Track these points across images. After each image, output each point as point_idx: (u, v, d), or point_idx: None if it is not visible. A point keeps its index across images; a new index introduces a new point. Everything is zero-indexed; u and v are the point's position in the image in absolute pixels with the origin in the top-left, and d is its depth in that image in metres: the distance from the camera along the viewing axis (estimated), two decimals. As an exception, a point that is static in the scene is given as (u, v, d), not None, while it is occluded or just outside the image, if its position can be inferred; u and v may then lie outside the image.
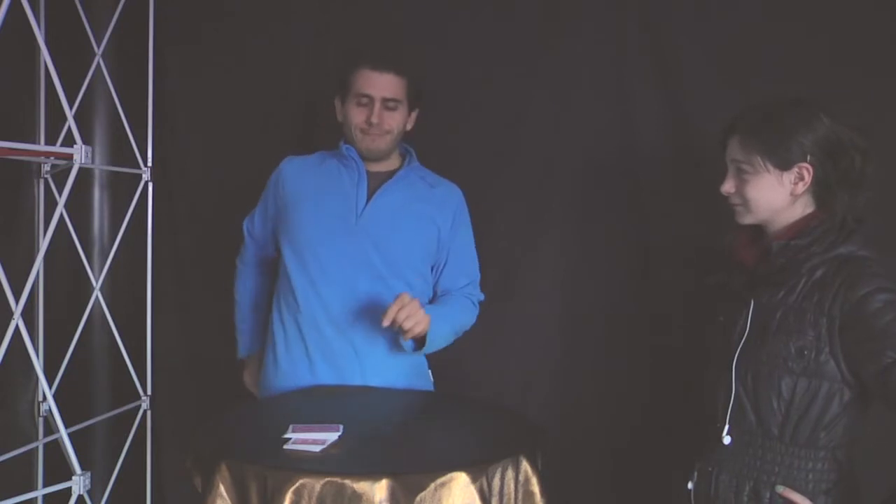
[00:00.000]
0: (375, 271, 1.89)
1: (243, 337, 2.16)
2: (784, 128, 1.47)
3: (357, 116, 1.90)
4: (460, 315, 1.96)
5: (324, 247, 1.90)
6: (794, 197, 1.50)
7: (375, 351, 1.89)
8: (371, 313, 1.86)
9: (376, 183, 1.94)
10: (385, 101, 1.88)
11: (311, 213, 1.92)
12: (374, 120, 1.88)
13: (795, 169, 1.48)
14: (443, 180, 2.01)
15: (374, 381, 1.89)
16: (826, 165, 1.47)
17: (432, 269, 1.99)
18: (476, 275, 2.03)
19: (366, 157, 1.93)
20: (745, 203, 1.53)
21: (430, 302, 1.96)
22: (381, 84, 1.88)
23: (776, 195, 1.50)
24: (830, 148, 1.47)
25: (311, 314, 1.90)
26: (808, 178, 1.48)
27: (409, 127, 1.97)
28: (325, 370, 1.90)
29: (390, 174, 1.96)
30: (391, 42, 2.22)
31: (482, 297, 2.03)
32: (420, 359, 1.97)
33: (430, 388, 2.01)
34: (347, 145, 1.94)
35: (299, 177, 1.98)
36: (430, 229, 1.95)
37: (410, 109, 1.95)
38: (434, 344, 1.84)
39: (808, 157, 1.47)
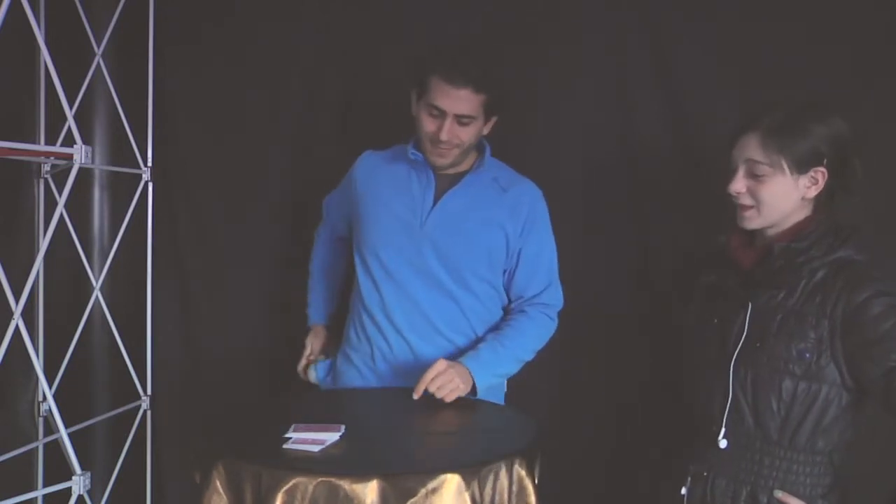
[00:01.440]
0: (435, 278, 1.87)
1: (312, 305, 2.17)
2: (806, 129, 1.45)
3: (428, 125, 1.81)
4: (523, 342, 1.90)
5: (386, 250, 1.88)
6: (805, 201, 1.49)
7: (435, 357, 1.82)
8: (429, 320, 1.87)
9: (444, 186, 1.89)
10: (458, 117, 1.78)
11: (377, 215, 1.90)
12: (444, 137, 1.79)
13: (811, 172, 1.46)
14: (519, 179, 1.94)
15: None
16: (837, 170, 1.46)
17: (505, 273, 1.94)
18: (551, 280, 1.95)
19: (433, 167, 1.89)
20: (758, 205, 1.49)
21: (504, 310, 1.97)
22: (456, 100, 1.77)
23: (790, 199, 1.48)
24: (843, 152, 1.46)
25: (375, 316, 1.91)
26: (821, 182, 1.46)
27: (485, 132, 1.89)
28: (386, 372, 1.91)
29: (459, 176, 1.90)
30: (474, 51, 1.96)
31: (560, 304, 1.97)
32: None
33: (500, 400, 1.99)
34: (413, 151, 1.87)
35: (371, 175, 1.95)
36: (497, 235, 1.89)
37: (487, 119, 1.86)
38: (491, 384, 1.84)
39: (825, 161, 1.45)
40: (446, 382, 1.73)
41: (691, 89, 2.07)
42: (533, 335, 1.92)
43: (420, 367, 1.80)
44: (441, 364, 1.74)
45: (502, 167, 1.95)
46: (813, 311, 1.43)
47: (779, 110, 1.47)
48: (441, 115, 1.79)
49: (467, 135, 1.82)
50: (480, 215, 1.88)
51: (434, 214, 1.87)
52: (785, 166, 1.46)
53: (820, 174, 1.46)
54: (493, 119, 1.89)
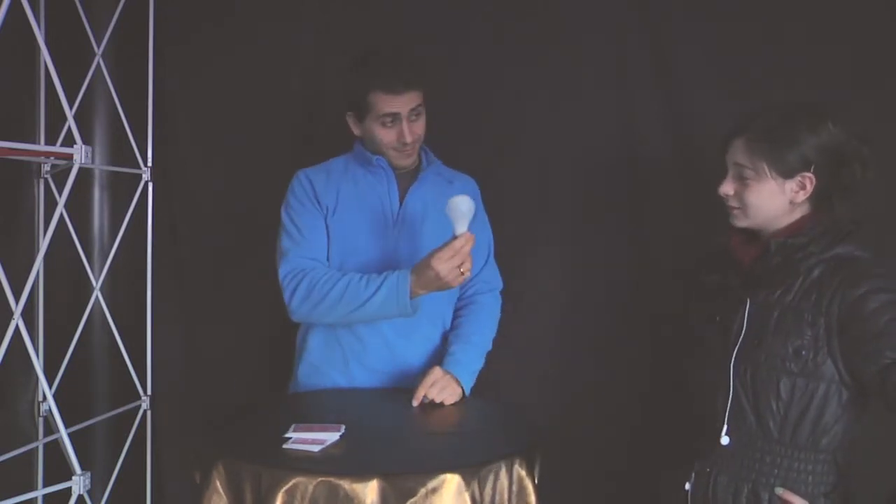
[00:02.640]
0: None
1: (382, 275, 1.81)
2: (791, 135, 1.45)
3: (386, 136, 1.87)
4: (485, 336, 2.00)
5: (364, 251, 1.90)
6: (793, 205, 1.50)
7: (410, 350, 1.92)
8: (409, 318, 1.85)
9: (404, 184, 1.95)
10: (411, 111, 1.85)
11: (352, 222, 1.92)
12: (408, 139, 1.85)
13: (798, 178, 1.47)
14: (457, 174, 2.05)
15: (409, 382, 1.88)
16: (828, 175, 1.46)
17: None
18: (489, 260, 2.07)
19: (399, 168, 1.94)
20: (744, 207, 1.52)
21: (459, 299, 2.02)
22: (402, 101, 1.84)
23: (775, 202, 1.49)
24: (834, 158, 1.46)
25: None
26: (809, 187, 1.47)
27: None
28: (360, 374, 1.92)
29: (413, 174, 1.97)
30: (400, 56, 2.01)
31: (500, 281, 2.09)
32: None
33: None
34: (378, 157, 1.91)
35: (330, 186, 1.94)
36: None
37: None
38: (472, 381, 1.90)
39: (812, 167, 1.45)
40: (445, 387, 1.78)
41: (691, 89, 2.07)
42: (490, 325, 2.02)
43: (396, 365, 1.89)
44: (438, 371, 1.80)
45: (439, 163, 2.03)
46: (809, 308, 1.43)
47: (768, 116, 1.48)
48: (395, 119, 1.85)
49: (421, 128, 1.90)
50: (440, 206, 1.88)
51: (403, 211, 1.93)
52: (768, 172, 1.47)
53: (808, 180, 1.47)
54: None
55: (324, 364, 1.95)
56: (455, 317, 2.03)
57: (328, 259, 1.91)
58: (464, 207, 1.68)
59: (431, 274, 1.70)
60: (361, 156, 1.96)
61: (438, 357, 1.93)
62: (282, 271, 1.85)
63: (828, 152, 1.45)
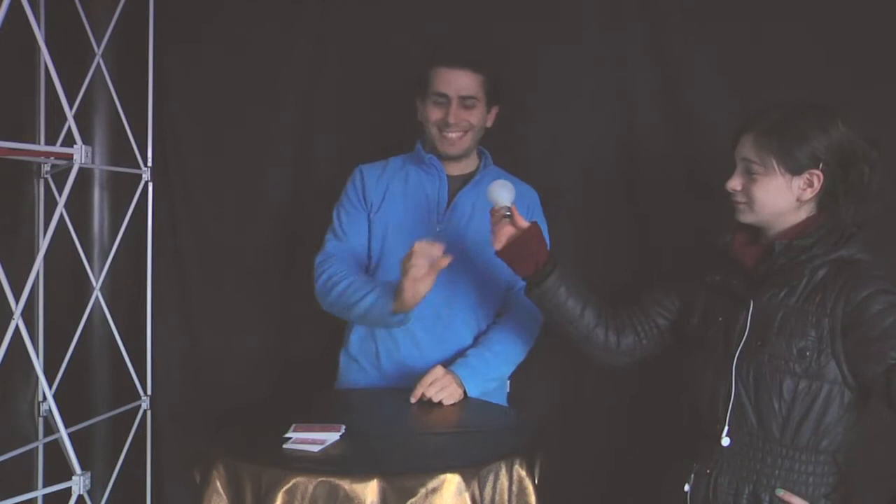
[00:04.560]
0: (451, 276, 1.86)
1: (374, 287, 1.81)
2: (800, 132, 1.45)
3: (435, 114, 1.89)
4: (511, 345, 1.93)
5: (405, 250, 1.84)
6: (800, 203, 1.49)
7: (441, 352, 1.90)
8: (441, 317, 1.89)
9: (455, 186, 1.95)
10: (462, 98, 1.86)
11: (395, 219, 1.93)
12: (452, 120, 1.86)
13: (806, 175, 1.47)
14: (519, 182, 1.99)
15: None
16: (836, 174, 1.46)
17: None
18: None
19: (444, 158, 1.93)
20: (750, 202, 1.52)
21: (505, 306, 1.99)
22: (457, 82, 1.86)
23: (782, 199, 1.49)
24: (843, 157, 1.46)
25: None
26: (817, 185, 1.47)
27: (489, 124, 1.97)
28: (391, 371, 1.92)
29: (468, 177, 1.96)
30: (468, 37, 2.17)
31: None
32: None
33: (503, 401, 2.01)
34: (429, 155, 1.93)
35: (380, 183, 1.96)
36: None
37: (490, 106, 1.94)
38: (485, 389, 1.86)
39: (821, 165, 1.45)
40: (444, 387, 1.77)
41: (691, 89, 2.07)
42: (522, 336, 1.95)
43: (427, 363, 1.85)
44: (439, 370, 1.79)
45: (502, 171, 2.01)
46: (813, 309, 1.43)
47: (778, 112, 1.48)
48: (445, 100, 1.87)
49: (473, 117, 1.89)
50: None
51: (450, 213, 1.92)
52: (776, 168, 1.47)
53: (815, 177, 1.46)
54: (496, 109, 1.96)
55: (360, 357, 1.96)
56: (493, 321, 1.99)
57: (369, 256, 1.93)
58: (497, 195, 1.66)
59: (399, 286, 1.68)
60: (417, 154, 1.96)
61: None
62: (317, 259, 1.93)
63: (837, 151, 1.45)
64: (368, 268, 1.97)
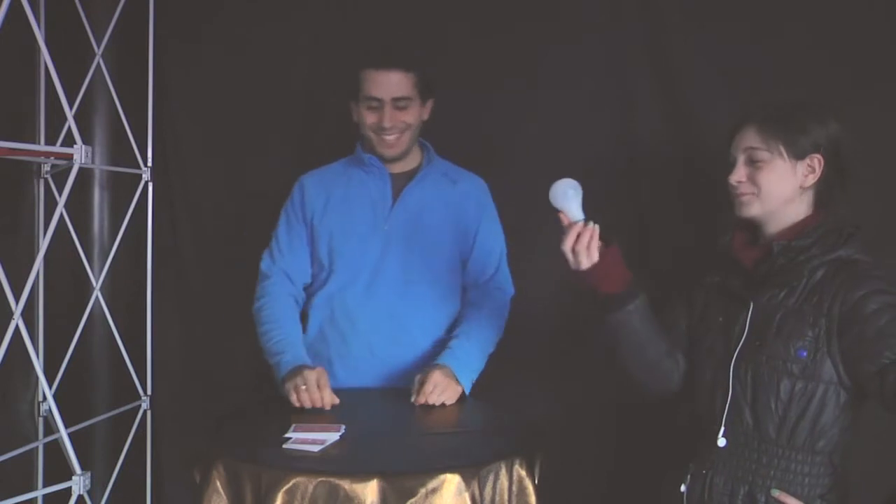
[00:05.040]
0: (402, 275, 1.90)
1: (287, 346, 1.86)
2: (802, 119, 1.50)
3: (369, 118, 1.89)
4: (491, 331, 1.95)
5: (352, 252, 1.91)
6: (802, 189, 1.51)
7: (397, 357, 1.91)
8: (395, 317, 1.89)
9: (400, 184, 1.94)
10: (395, 101, 1.86)
11: (340, 223, 1.93)
12: (387, 123, 1.86)
13: (808, 160, 1.49)
14: (465, 173, 2.01)
15: (394, 383, 1.89)
16: (833, 163, 1.49)
17: (462, 262, 2.00)
18: (500, 264, 2.02)
19: (385, 159, 1.93)
20: (758, 191, 1.51)
21: (463, 300, 2.00)
22: (388, 85, 1.85)
23: (787, 185, 1.50)
24: (837, 148, 1.49)
25: (337, 320, 1.92)
26: (818, 170, 1.49)
27: (425, 117, 1.96)
28: (343, 376, 1.91)
29: (412, 174, 1.96)
30: (393, 37, 2.19)
31: (512, 289, 2.04)
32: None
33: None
34: (368, 154, 1.93)
35: (322, 189, 1.97)
36: (455, 224, 1.95)
37: (424, 101, 1.93)
38: (472, 379, 1.88)
39: (821, 150, 1.49)
40: (444, 389, 1.77)
41: (691, 89, 2.07)
42: (493, 323, 1.96)
43: (382, 368, 1.88)
44: (436, 376, 1.78)
45: (447, 163, 2.01)
46: (811, 309, 1.44)
47: (778, 105, 1.53)
48: (379, 104, 1.86)
49: (409, 117, 1.88)
50: (439, 207, 1.94)
51: (395, 211, 1.92)
52: (783, 151, 1.49)
53: (816, 161, 1.49)
54: (431, 102, 1.95)
55: (315, 358, 1.92)
56: (460, 317, 1.99)
57: (321, 264, 1.93)
58: (569, 206, 1.56)
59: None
60: (357, 156, 1.96)
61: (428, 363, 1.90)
62: (259, 277, 1.99)
63: (832, 139, 1.49)
64: (317, 278, 1.97)
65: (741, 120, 1.54)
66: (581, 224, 1.54)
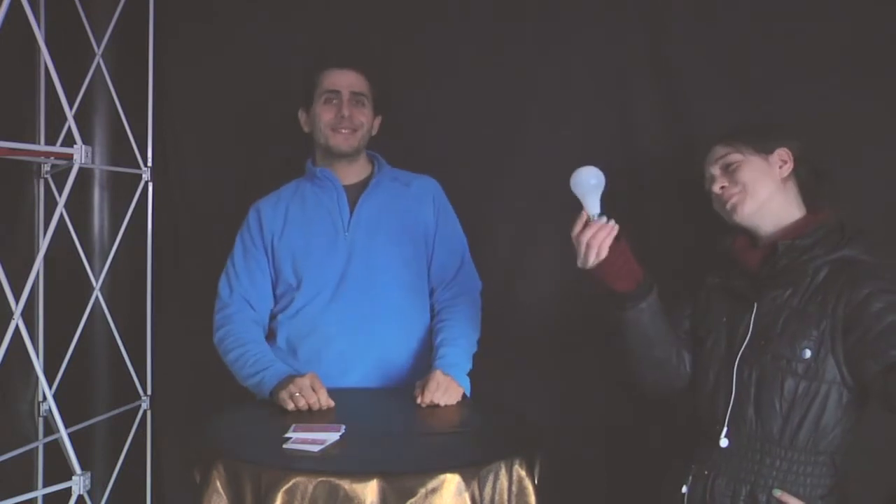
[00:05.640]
0: (367, 283, 1.91)
1: (267, 365, 1.84)
2: (760, 125, 1.66)
3: (326, 114, 1.94)
4: (473, 335, 1.98)
5: (319, 266, 1.91)
6: (784, 182, 1.55)
7: (367, 362, 1.90)
8: (366, 325, 1.89)
9: (354, 194, 1.97)
10: (353, 94, 1.93)
11: (301, 241, 1.94)
12: (346, 112, 1.91)
13: (776, 153, 1.56)
14: (416, 176, 2.05)
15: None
16: (803, 162, 1.57)
17: (425, 262, 2.01)
18: (464, 260, 2.04)
19: (337, 155, 1.95)
20: (743, 188, 1.56)
21: (437, 302, 2.00)
22: (347, 79, 1.94)
23: (766, 176, 1.56)
24: (803, 153, 1.58)
25: (304, 334, 1.92)
26: (789, 161, 1.56)
27: (374, 132, 2.02)
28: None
29: (365, 183, 1.99)
30: (352, 48, 2.27)
31: (478, 281, 2.06)
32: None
33: None
34: (320, 168, 1.97)
35: (278, 211, 1.98)
36: (415, 225, 1.98)
37: (375, 112, 2.00)
38: (465, 382, 1.90)
39: (786, 144, 1.57)
40: (447, 389, 1.78)
41: (691, 89, 2.07)
42: (473, 327, 1.98)
43: (352, 375, 1.88)
44: (440, 375, 1.78)
45: (396, 170, 2.05)
46: (815, 309, 1.44)
47: (741, 125, 1.67)
48: (337, 96, 1.93)
49: (364, 116, 1.95)
50: (397, 211, 1.97)
51: (354, 220, 1.94)
52: (752, 149, 1.57)
53: (785, 153, 1.57)
54: (380, 119, 2.04)
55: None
56: (437, 321, 1.98)
57: (287, 281, 1.93)
58: (583, 185, 1.51)
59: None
60: (309, 172, 1.99)
61: (398, 374, 1.92)
62: (216, 307, 1.97)
63: (795, 144, 1.59)
64: (284, 297, 1.95)
65: (706, 148, 1.65)
66: (599, 223, 1.49)
